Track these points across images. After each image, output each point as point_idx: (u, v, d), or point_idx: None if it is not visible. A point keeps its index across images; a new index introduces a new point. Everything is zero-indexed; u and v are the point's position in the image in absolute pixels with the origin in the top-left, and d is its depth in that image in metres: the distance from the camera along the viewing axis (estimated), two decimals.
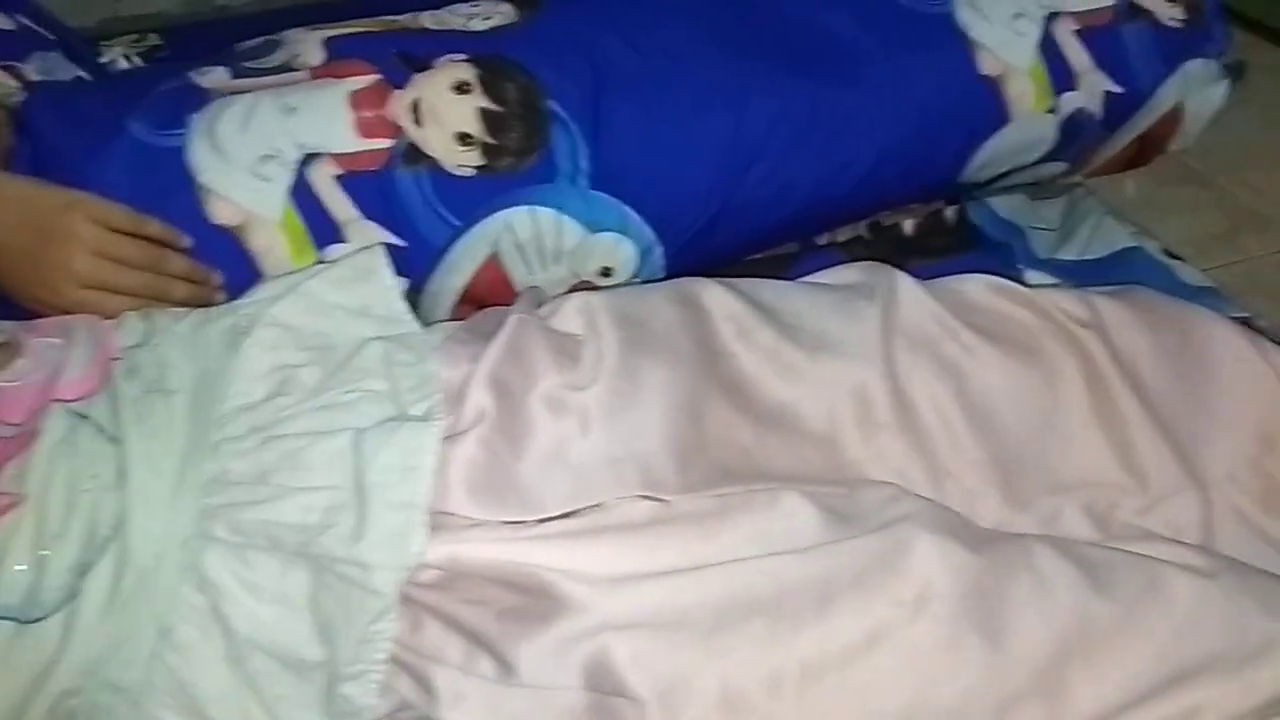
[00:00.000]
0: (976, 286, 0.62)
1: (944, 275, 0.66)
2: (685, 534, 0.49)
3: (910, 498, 0.53)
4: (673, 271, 0.73)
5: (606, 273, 0.73)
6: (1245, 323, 0.78)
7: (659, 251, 0.74)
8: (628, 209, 0.72)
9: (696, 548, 0.49)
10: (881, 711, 0.46)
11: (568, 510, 0.50)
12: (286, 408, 0.51)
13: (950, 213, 0.85)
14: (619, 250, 0.72)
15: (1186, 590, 0.48)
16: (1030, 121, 0.76)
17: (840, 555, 0.48)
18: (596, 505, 0.50)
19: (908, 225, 0.85)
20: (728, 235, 0.75)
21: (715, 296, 0.60)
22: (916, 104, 0.74)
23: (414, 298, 0.70)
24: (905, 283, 0.61)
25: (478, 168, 0.68)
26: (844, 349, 0.58)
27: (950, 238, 0.84)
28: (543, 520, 0.49)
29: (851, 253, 0.83)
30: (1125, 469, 0.57)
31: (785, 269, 0.76)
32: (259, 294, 0.58)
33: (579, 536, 0.48)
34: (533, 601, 0.47)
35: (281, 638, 0.46)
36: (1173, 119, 0.82)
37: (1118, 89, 0.77)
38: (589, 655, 0.46)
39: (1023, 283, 0.77)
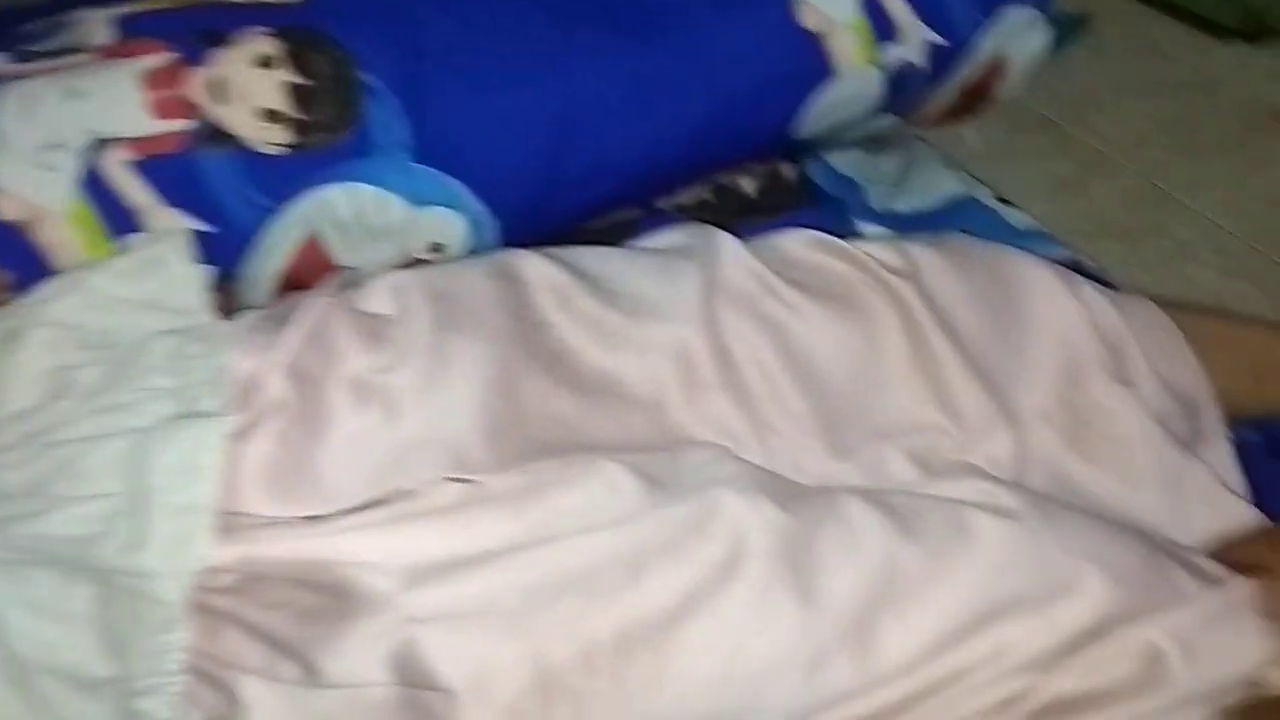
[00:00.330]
0: (795, 242, 0.62)
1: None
2: (496, 515, 0.48)
3: (729, 459, 0.53)
4: (510, 244, 0.71)
5: (438, 249, 0.71)
6: (1073, 264, 0.81)
7: (492, 225, 0.72)
8: (455, 182, 0.70)
9: (507, 528, 0.48)
10: (697, 677, 0.46)
11: (370, 500, 0.48)
12: (64, 412, 0.48)
13: (789, 170, 0.86)
14: (449, 225, 0.70)
15: (992, 532, 0.49)
16: (855, 75, 0.76)
17: (653, 523, 0.48)
18: (402, 492, 0.49)
19: (748, 184, 0.85)
20: (563, 204, 0.74)
21: (534, 267, 0.58)
22: (740, 61, 0.73)
23: (229, 286, 0.67)
24: (726, 242, 0.61)
25: (288, 145, 0.66)
26: (665, 311, 0.58)
27: (789, 195, 0.84)
28: (344, 513, 0.48)
29: (693, 215, 0.83)
30: (943, 411, 0.58)
31: (629, 235, 0.75)
32: (39, 293, 0.54)
33: (381, 526, 0.47)
34: (332, 600, 0.46)
35: (67, 656, 0.43)
36: (997, 67, 0.83)
37: (939, 39, 0.78)
38: (395, 649, 0.45)
39: (857, 236, 0.78)
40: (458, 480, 0.50)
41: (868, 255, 0.61)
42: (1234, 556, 0.52)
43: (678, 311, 0.58)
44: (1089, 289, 0.63)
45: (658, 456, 0.53)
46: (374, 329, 0.55)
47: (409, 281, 0.57)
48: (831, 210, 0.83)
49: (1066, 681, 0.47)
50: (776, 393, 0.57)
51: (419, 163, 0.69)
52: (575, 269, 0.59)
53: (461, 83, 0.70)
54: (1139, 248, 1.24)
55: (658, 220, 0.82)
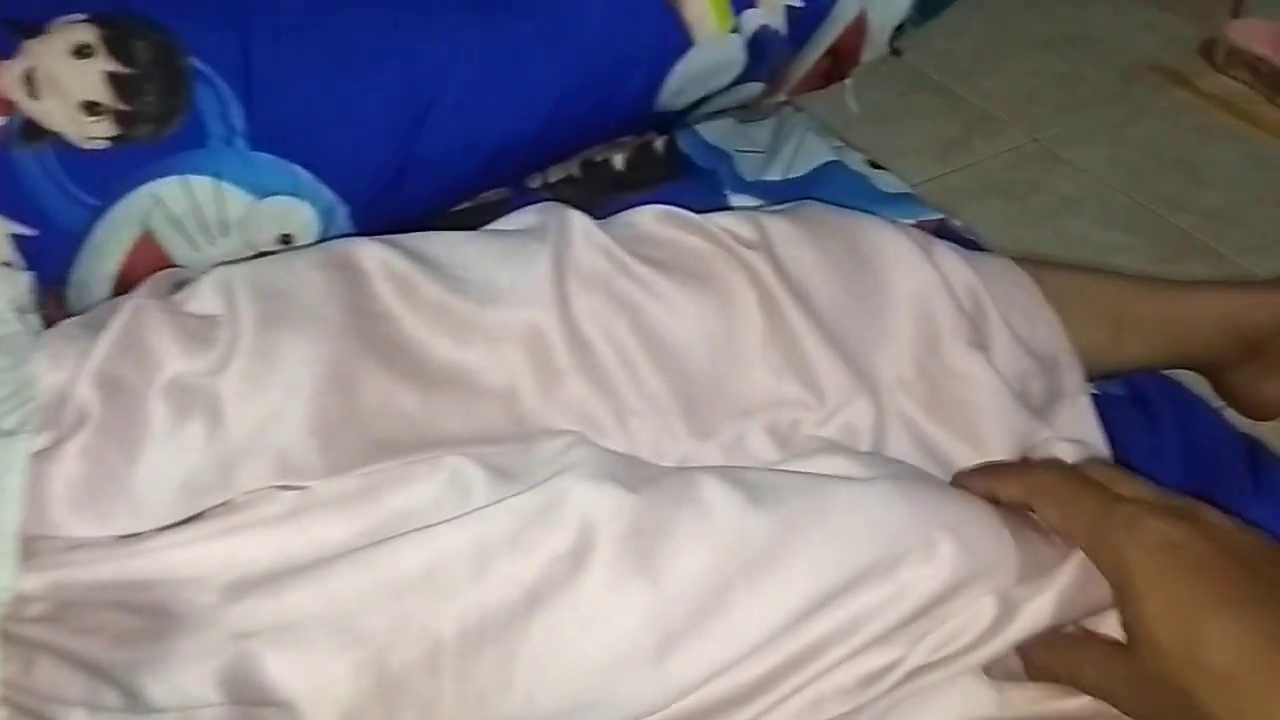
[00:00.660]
0: (647, 218, 0.61)
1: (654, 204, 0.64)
2: (329, 519, 0.46)
3: (582, 445, 0.51)
4: (367, 232, 0.68)
5: (287, 240, 0.68)
6: (942, 225, 0.81)
7: (343, 212, 0.69)
8: (298, 169, 0.67)
9: (341, 532, 0.46)
10: (548, 672, 0.45)
11: (189, 514, 0.46)
12: None
13: (660, 143, 0.84)
14: (295, 215, 0.67)
15: (845, 501, 0.49)
16: (714, 43, 0.75)
17: (498, 517, 0.46)
18: (224, 504, 0.46)
19: (618, 160, 0.83)
20: (419, 187, 0.71)
21: (373, 255, 0.56)
22: (594, 33, 0.71)
23: (60, 291, 0.63)
24: (576, 221, 0.59)
25: (111, 139, 0.62)
26: (516, 296, 0.56)
27: (660, 168, 0.83)
28: (162, 530, 0.45)
29: (562, 193, 0.81)
30: (803, 384, 0.57)
31: (499, 216, 0.73)
32: None
33: (203, 541, 0.45)
34: (152, 620, 0.43)
35: None
36: (859, 29, 0.82)
37: (798, 3, 0.77)
38: (224, 667, 0.42)
39: (728, 207, 0.77)
40: (288, 488, 0.47)
41: (720, 228, 0.59)
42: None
43: (529, 296, 0.56)
44: (945, 252, 0.63)
45: (508, 447, 0.52)
46: (196, 330, 0.52)
47: (234, 277, 0.54)
48: (703, 182, 0.81)
49: (921, 652, 0.46)
50: (634, 374, 0.56)
51: (258, 150, 0.66)
52: (420, 256, 0.57)
53: (300, 63, 0.67)
54: (1023, 204, 1.25)
55: (528, 200, 0.80)
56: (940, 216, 0.80)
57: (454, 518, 0.46)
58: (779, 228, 0.60)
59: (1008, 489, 0.48)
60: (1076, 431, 0.62)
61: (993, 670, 0.47)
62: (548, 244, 0.58)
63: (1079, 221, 1.23)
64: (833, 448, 0.55)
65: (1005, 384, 0.58)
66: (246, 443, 0.48)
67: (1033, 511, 0.48)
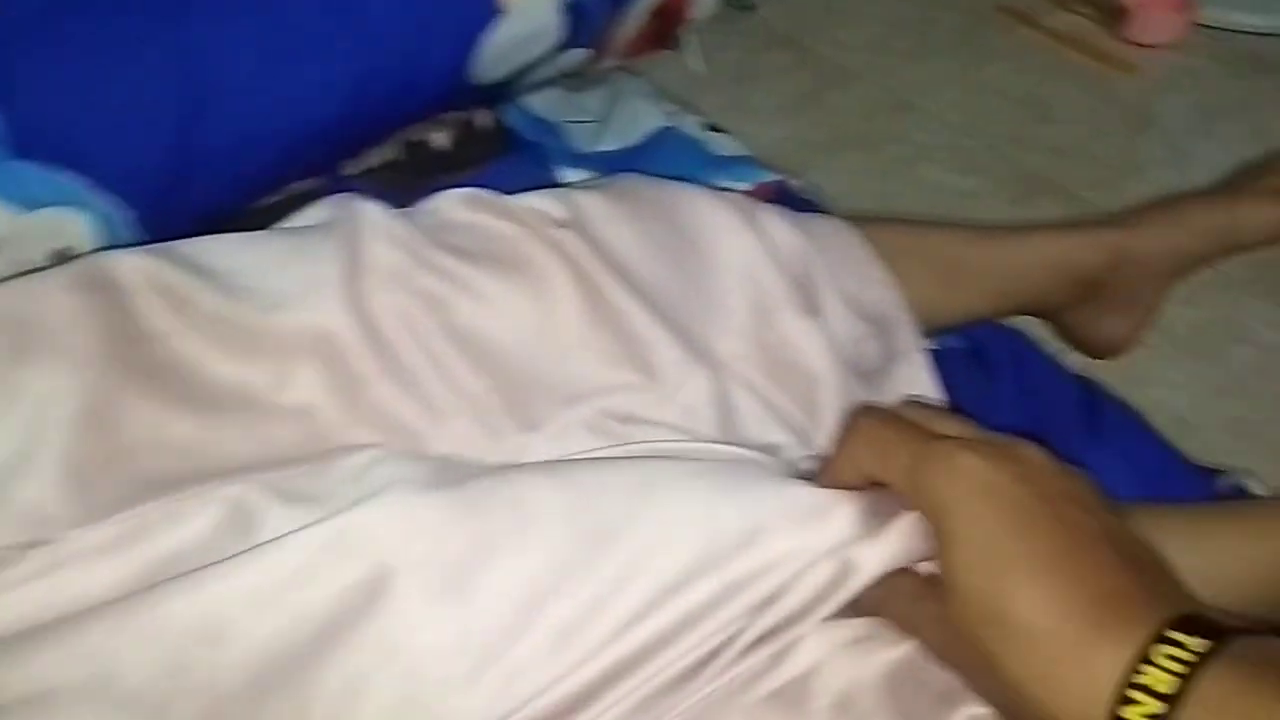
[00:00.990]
0: (451, 203, 0.57)
1: (481, 186, 0.60)
2: (83, 573, 0.41)
3: (387, 461, 0.48)
4: (160, 238, 0.63)
5: (64, 256, 0.62)
6: (780, 186, 0.79)
7: (127, 219, 0.63)
8: (70, 176, 0.61)
9: (99, 586, 0.41)
10: (349, 715, 0.41)
11: None
12: None
13: (484, 118, 0.80)
14: (70, 226, 0.61)
15: (671, 494, 0.46)
16: (526, 10, 0.71)
17: (280, 552, 0.42)
18: None
19: (441, 139, 0.79)
20: (209, 185, 0.66)
21: (134, 268, 0.50)
22: (392, 9, 0.66)
23: None
24: (371, 214, 0.55)
25: None
26: (304, 302, 0.51)
27: (485, 145, 0.79)
28: None
29: (382, 179, 0.76)
30: (634, 366, 0.54)
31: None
32: None
33: None
34: None
35: None
36: None
37: None
38: None
39: (557, 183, 0.73)
40: (37, 545, 0.42)
41: (529, 209, 0.56)
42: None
43: (319, 300, 0.51)
44: (771, 218, 0.61)
45: (301, 471, 0.48)
46: None
47: None
48: (531, 157, 0.78)
49: (757, 629, 0.44)
50: (447, 374, 0.52)
51: (21, 159, 0.59)
52: (192, 265, 0.52)
53: (62, 61, 0.61)
54: (877, 155, 1.24)
55: (345, 189, 0.75)
56: (779, 178, 0.78)
57: (232, 556, 0.42)
58: (593, 205, 0.57)
59: (841, 448, 0.45)
60: (914, 389, 0.61)
61: None
62: (337, 241, 0.53)
63: (932, 169, 1.22)
64: (668, 427, 0.53)
65: (838, 351, 0.57)
66: None
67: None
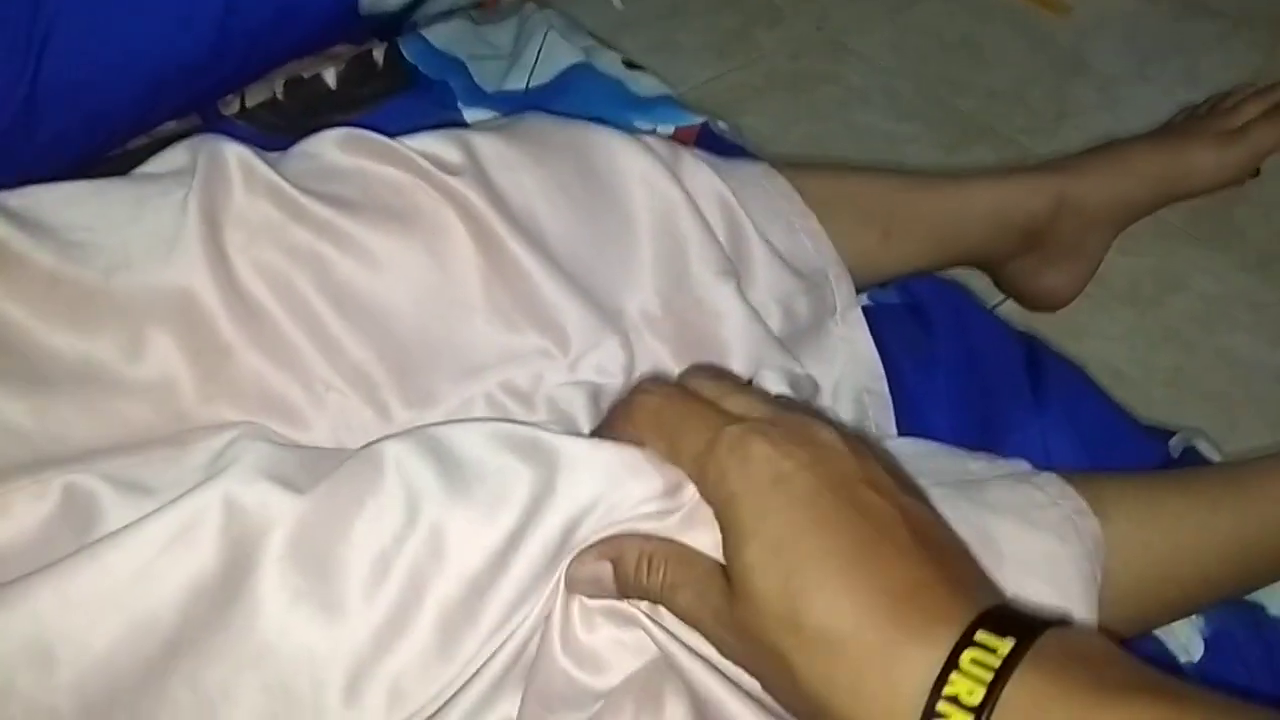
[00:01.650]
0: (329, 145, 0.50)
1: (372, 127, 0.53)
2: None
3: (244, 441, 0.41)
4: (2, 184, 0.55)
5: None
6: (703, 128, 0.73)
7: None
8: None
9: None
10: None
11: None
12: None
13: (379, 53, 0.72)
14: None
15: (477, 465, 0.40)
16: None
17: (117, 550, 0.36)
18: None
19: (330, 75, 0.71)
20: (60, 125, 0.58)
21: None
22: None
23: None
24: (233, 156, 0.48)
25: None
26: (156, 259, 0.45)
27: (380, 82, 0.71)
28: None
29: (261, 121, 0.69)
30: (540, 330, 0.48)
31: None
32: None
33: None
34: None
35: None
36: None
37: None
38: None
39: (462, 123, 0.66)
40: None
41: (418, 153, 0.49)
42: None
43: (173, 258, 0.45)
44: (693, 164, 0.55)
45: (154, 455, 0.41)
46: None
47: None
48: (432, 96, 0.71)
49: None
50: (325, 341, 0.46)
51: None
52: (22, 219, 0.44)
53: None
54: (809, 97, 1.19)
55: (218, 131, 0.67)
56: (702, 120, 0.72)
57: (62, 558, 0.36)
58: (492, 148, 0.51)
59: (617, 427, 0.40)
60: (850, 349, 0.56)
61: None
62: (194, 189, 0.46)
63: (866, 113, 1.18)
64: (577, 395, 0.47)
65: (756, 318, 0.52)
66: None
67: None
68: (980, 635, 0.29)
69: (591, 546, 0.38)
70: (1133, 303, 0.98)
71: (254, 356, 0.45)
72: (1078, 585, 0.42)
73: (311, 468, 0.40)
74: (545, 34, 0.74)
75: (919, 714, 0.29)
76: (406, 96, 0.69)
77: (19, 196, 0.46)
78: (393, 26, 0.73)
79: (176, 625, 0.36)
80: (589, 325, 0.49)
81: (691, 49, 1.24)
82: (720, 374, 0.42)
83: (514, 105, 0.69)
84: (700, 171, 0.55)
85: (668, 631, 0.37)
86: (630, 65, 0.76)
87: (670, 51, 1.19)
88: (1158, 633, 0.48)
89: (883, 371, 0.56)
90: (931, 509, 0.36)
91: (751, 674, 0.35)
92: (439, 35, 0.74)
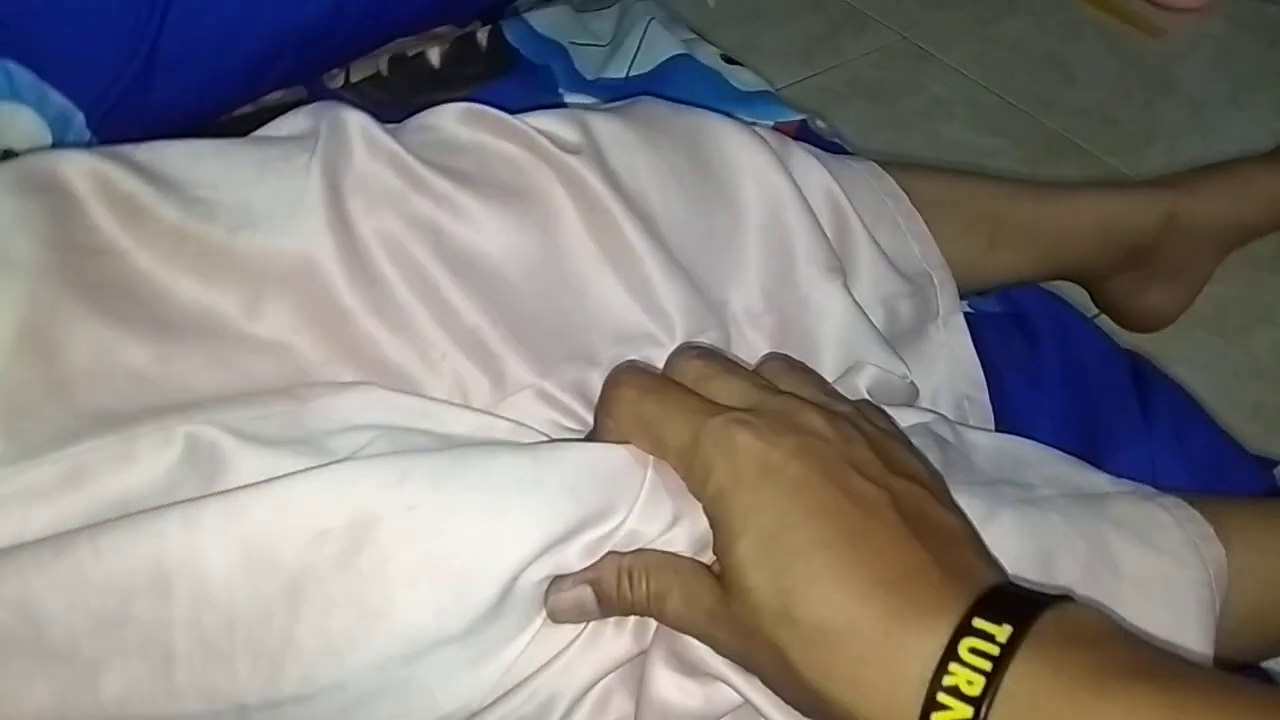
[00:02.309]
0: (449, 119, 0.50)
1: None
2: (6, 523, 0.35)
3: (376, 407, 0.42)
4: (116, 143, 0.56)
5: (7, 156, 0.55)
6: (802, 126, 0.72)
7: (80, 120, 0.56)
8: (20, 70, 0.54)
9: (27, 530, 0.35)
10: (325, 679, 0.36)
11: None
12: None
13: (483, 34, 0.73)
14: (16, 123, 0.55)
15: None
16: None
17: (250, 498, 0.36)
18: None
19: (434, 54, 0.71)
20: (173, 90, 0.59)
21: (85, 173, 0.44)
22: None
23: None
24: (357, 126, 0.48)
25: None
26: (278, 221, 0.45)
27: (483, 64, 0.72)
28: None
29: (367, 95, 0.69)
30: (649, 313, 0.48)
31: None
32: None
33: None
34: None
35: None
36: None
37: None
38: None
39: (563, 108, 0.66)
40: None
41: (537, 130, 0.49)
42: None
43: (296, 220, 0.45)
44: (803, 158, 0.54)
45: (273, 410, 0.41)
46: None
47: None
48: (535, 79, 0.71)
49: None
50: (442, 308, 0.46)
51: None
52: (150, 173, 0.45)
53: None
54: (892, 106, 1.18)
55: (323, 100, 0.68)
56: (801, 118, 0.72)
57: (188, 500, 0.36)
58: (609, 129, 0.50)
59: (601, 426, 0.39)
60: (951, 357, 0.55)
61: None
62: (318, 154, 0.46)
63: (949, 124, 1.16)
64: None
65: (863, 316, 0.51)
66: None
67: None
68: (978, 622, 0.29)
69: (566, 575, 0.37)
70: (1218, 332, 0.96)
71: (372, 322, 0.45)
72: (1195, 612, 0.40)
73: (440, 440, 0.40)
74: (647, 24, 0.74)
75: (920, 705, 0.28)
76: (509, 79, 0.69)
77: (146, 150, 0.46)
78: (496, 9, 0.73)
79: (298, 567, 0.36)
80: (694, 313, 0.49)
81: (776, 52, 1.23)
82: (706, 354, 0.40)
83: (614, 93, 0.69)
84: (809, 165, 0.54)
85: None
86: (728, 60, 0.75)
87: (755, 54, 1.19)
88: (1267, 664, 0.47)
89: (984, 379, 0.55)
90: (932, 486, 0.35)
91: (749, 670, 0.35)
92: (541, 20, 0.74)
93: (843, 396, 0.39)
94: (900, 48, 1.26)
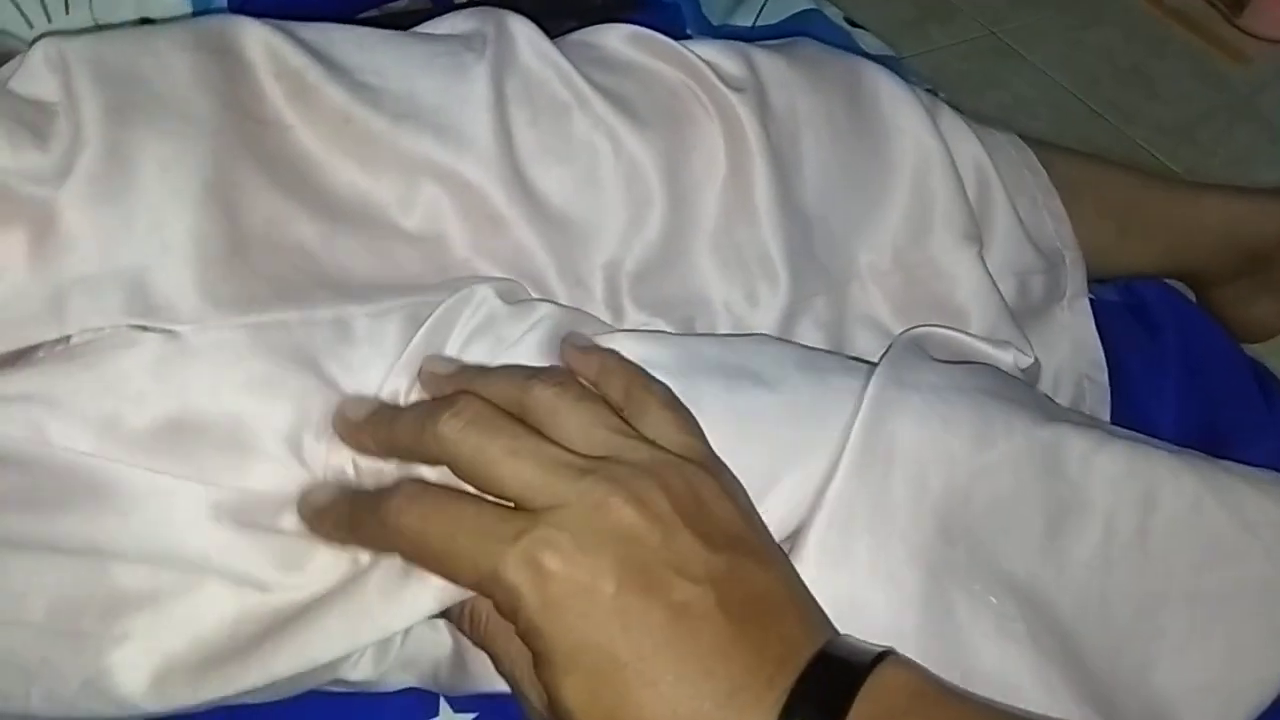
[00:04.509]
0: (615, 38, 0.49)
1: None
2: (193, 380, 0.35)
3: (545, 304, 0.41)
4: None
5: (146, 22, 0.54)
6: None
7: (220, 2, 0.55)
8: None
9: (226, 390, 0.35)
10: None
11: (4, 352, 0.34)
12: None
13: None
14: None
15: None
16: None
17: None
18: (59, 345, 0.34)
19: None
20: None
21: (260, 41, 0.43)
22: None
23: None
24: (524, 34, 0.47)
25: None
26: (443, 117, 0.44)
27: None
28: None
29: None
30: (757, 274, 0.47)
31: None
32: None
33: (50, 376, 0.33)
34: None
35: None
36: None
37: None
38: None
39: None
40: (149, 329, 0.35)
41: (702, 60, 0.48)
42: None
43: (460, 119, 0.44)
44: (953, 120, 0.54)
45: (425, 302, 0.41)
46: (28, 119, 0.39)
47: (73, 53, 0.40)
48: (665, 16, 0.70)
49: None
50: (585, 235, 0.45)
51: None
52: (320, 53, 0.44)
53: None
54: (974, 100, 1.17)
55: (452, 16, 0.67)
56: (927, 89, 0.71)
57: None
58: (772, 65, 0.50)
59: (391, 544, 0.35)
60: (1072, 339, 0.55)
61: None
62: (486, 59, 0.46)
63: (1033, 124, 1.15)
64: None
65: (994, 288, 0.50)
66: (89, 266, 0.36)
67: None
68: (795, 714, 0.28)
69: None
70: None
71: (525, 231, 0.44)
72: None
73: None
74: None
75: None
76: (638, 14, 0.69)
77: (313, 30, 0.45)
78: None
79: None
80: (804, 280, 0.48)
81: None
82: (480, 418, 0.33)
83: (739, 39, 0.68)
84: (959, 129, 0.53)
85: None
86: (851, 23, 0.74)
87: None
88: None
89: (1105, 363, 0.54)
90: (746, 525, 0.32)
91: None
92: None
93: (633, 430, 0.34)
94: (987, 42, 1.25)
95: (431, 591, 0.33)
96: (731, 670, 0.29)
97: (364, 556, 0.35)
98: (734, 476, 0.34)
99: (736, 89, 0.48)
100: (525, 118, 0.45)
